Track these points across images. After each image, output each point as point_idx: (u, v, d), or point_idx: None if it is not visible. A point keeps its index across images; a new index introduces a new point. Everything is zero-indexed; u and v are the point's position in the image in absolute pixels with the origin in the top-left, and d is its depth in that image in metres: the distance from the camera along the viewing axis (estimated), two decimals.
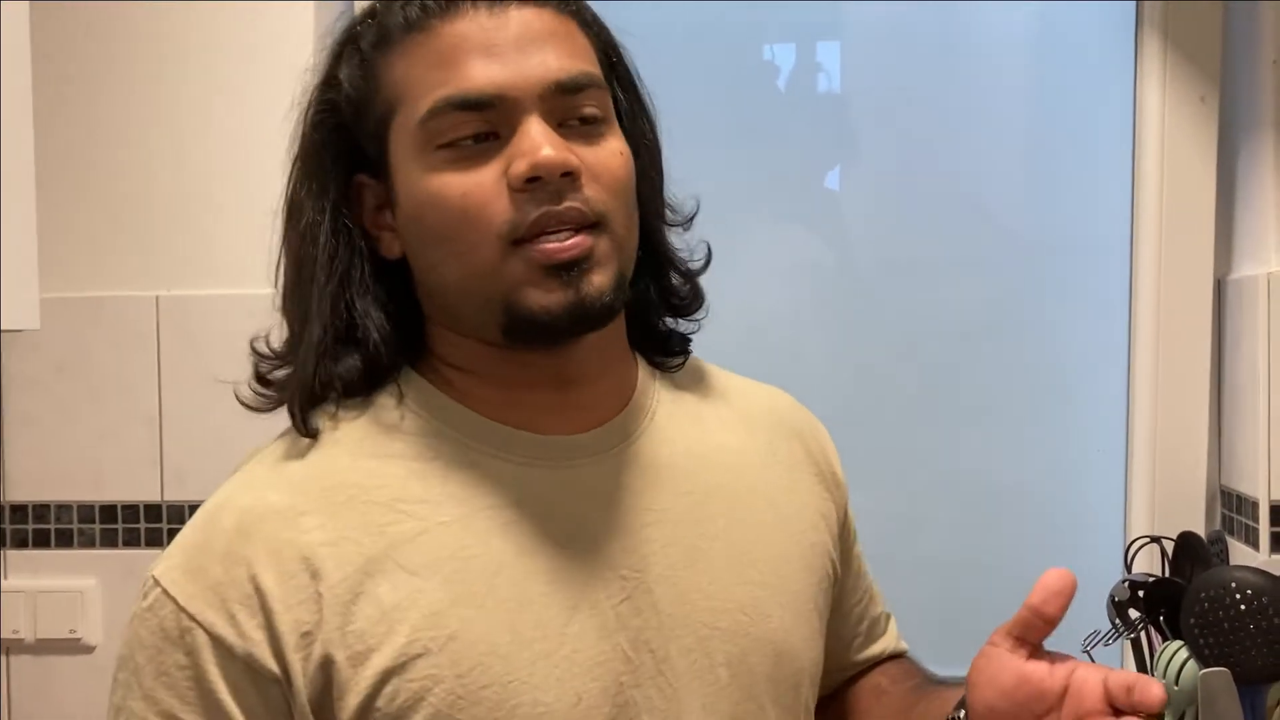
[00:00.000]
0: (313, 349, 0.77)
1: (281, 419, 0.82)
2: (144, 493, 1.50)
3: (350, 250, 0.78)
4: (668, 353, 0.89)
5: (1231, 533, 1.44)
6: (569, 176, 0.73)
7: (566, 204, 0.72)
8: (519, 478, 0.77)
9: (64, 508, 1.51)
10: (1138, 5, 1.50)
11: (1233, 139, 1.48)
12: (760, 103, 1.61)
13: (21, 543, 1.51)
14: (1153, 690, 0.72)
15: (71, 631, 1.50)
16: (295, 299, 0.80)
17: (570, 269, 0.73)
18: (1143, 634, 1.31)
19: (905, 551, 1.60)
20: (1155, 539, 1.37)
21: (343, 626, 0.70)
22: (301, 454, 0.77)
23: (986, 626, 1.57)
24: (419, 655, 0.70)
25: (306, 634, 0.70)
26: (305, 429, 0.77)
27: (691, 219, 0.89)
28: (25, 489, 1.51)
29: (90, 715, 1.51)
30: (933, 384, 1.59)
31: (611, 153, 0.76)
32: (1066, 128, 1.56)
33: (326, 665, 0.70)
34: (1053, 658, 0.77)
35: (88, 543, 1.51)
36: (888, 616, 1.03)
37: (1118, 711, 0.73)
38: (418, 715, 0.70)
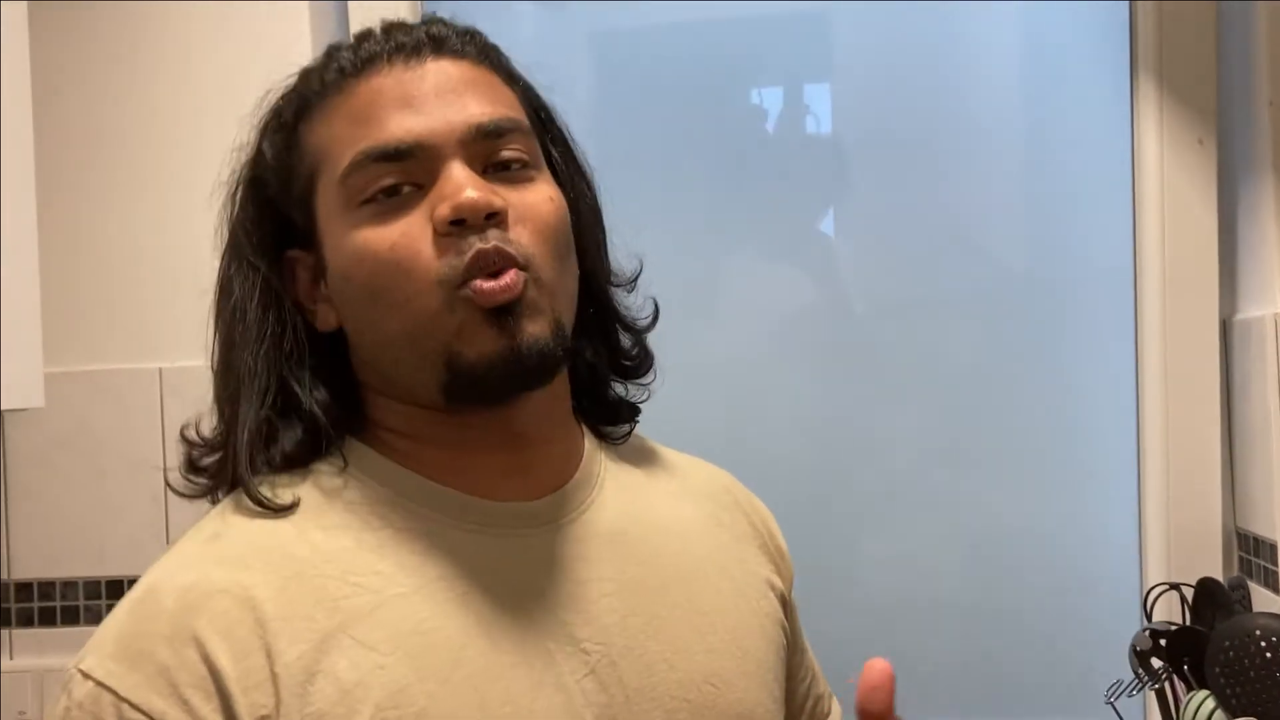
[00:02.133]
0: (248, 427, 0.73)
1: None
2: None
3: (282, 326, 0.76)
4: (616, 421, 0.87)
5: (1250, 575, 1.43)
6: (493, 218, 0.71)
7: (493, 244, 0.70)
8: (472, 546, 0.74)
9: (69, 584, 1.49)
10: (1132, 49, 1.51)
11: (1232, 180, 1.48)
12: (750, 146, 1.61)
13: (26, 621, 1.49)
14: None
15: None
16: (225, 380, 0.77)
17: (506, 313, 0.71)
18: (1167, 684, 1.30)
19: (917, 599, 1.58)
20: (1174, 586, 1.36)
21: (301, 709, 0.65)
22: (239, 530, 0.72)
23: (1001, 674, 1.56)
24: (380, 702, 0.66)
25: (264, 718, 0.65)
26: (262, 502, 0.72)
27: (635, 280, 0.87)
28: (30, 567, 1.49)
29: None
30: (938, 429, 1.58)
31: (540, 197, 0.75)
32: (1064, 169, 1.56)
33: None
34: None
35: (94, 619, 1.49)
36: (831, 696, 0.99)
37: None
38: None
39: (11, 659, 1.50)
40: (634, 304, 0.87)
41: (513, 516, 0.76)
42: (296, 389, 0.75)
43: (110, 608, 1.45)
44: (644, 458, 0.89)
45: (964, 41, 1.58)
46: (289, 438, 0.74)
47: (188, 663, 0.65)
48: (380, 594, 0.70)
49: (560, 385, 0.79)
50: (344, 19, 1.56)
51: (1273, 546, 1.37)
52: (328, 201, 0.75)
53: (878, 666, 0.68)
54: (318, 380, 0.76)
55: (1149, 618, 1.37)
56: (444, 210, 0.70)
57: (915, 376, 1.57)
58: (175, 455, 1.45)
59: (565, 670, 0.72)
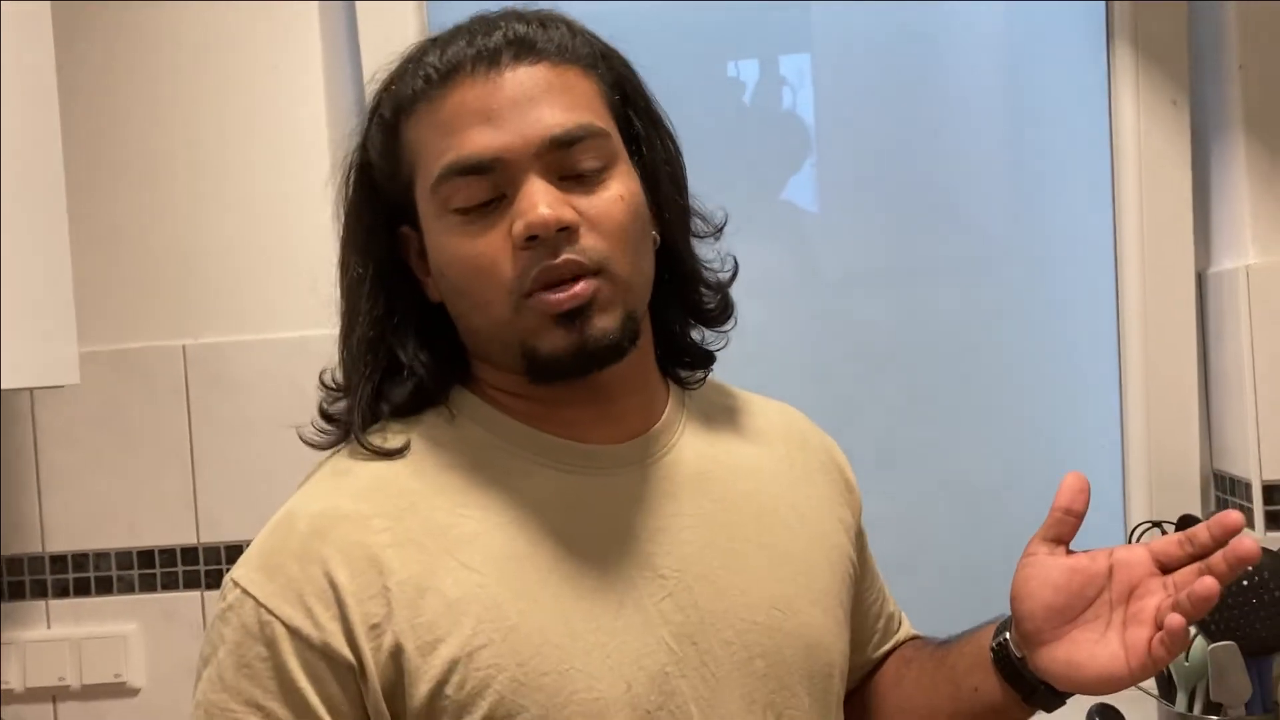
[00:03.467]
0: (361, 387, 0.85)
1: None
2: (180, 537, 1.54)
3: (390, 297, 0.86)
4: (692, 368, 0.94)
5: None
6: (566, 231, 0.78)
7: (564, 258, 0.78)
8: (565, 484, 0.84)
9: (102, 555, 1.55)
10: (1108, 15, 1.57)
11: (1205, 140, 1.55)
12: (728, 119, 1.65)
13: (63, 591, 1.55)
14: (1231, 517, 0.78)
15: (116, 676, 1.53)
16: (345, 346, 0.88)
17: (574, 316, 0.79)
18: None
19: (907, 554, 1.64)
20: (1156, 523, 1.44)
21: (411, 619, 0.76)
22: (364, 467, 0.83)
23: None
24: (483, 645, 0.76)
25: (376, 626, 0.75)
26: (373, 449, 0.84)
27: (721, 229, 0.95)
28: (64, 539, 1.55)
29: None
30: (927, 386, 1.64)
31: (611, 200, 0.81)
32: (1042, 134, 1.63)
33: (397, 654, 0.75)
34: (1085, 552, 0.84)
35: (127, 588, 1.55)
36: (900, 614, 1.09)
37: (1169, 572, 0.80)
38: (484, 701, 0.75)
39: (49, 628, 1.55)
40: (715, 255, 0.94)
41: (601, 457, 0.85)
42: (400, 354, 0.85)
43: (143, 577, 1.52)
44: (722, 400, 0.97)
45: (943, 11, 1.63)
46: (399, 392, 0.85)
47: (312, 578, 0.77)
48: (483, 523, 0.81)
49: (641, 346, 0.86)
50: (353, 19, 1.62)
51: (1248, 485, 1.45)
52: (424, 202, 0.83)
53: (1076, 474, 0.85)
54: (424, 343, 0.86)
55: None
56: (519, 227, 0.78)
57: (899, 340, 1.63)
58: (201, 427, 1.51)
59: (645, 593, 0.82)
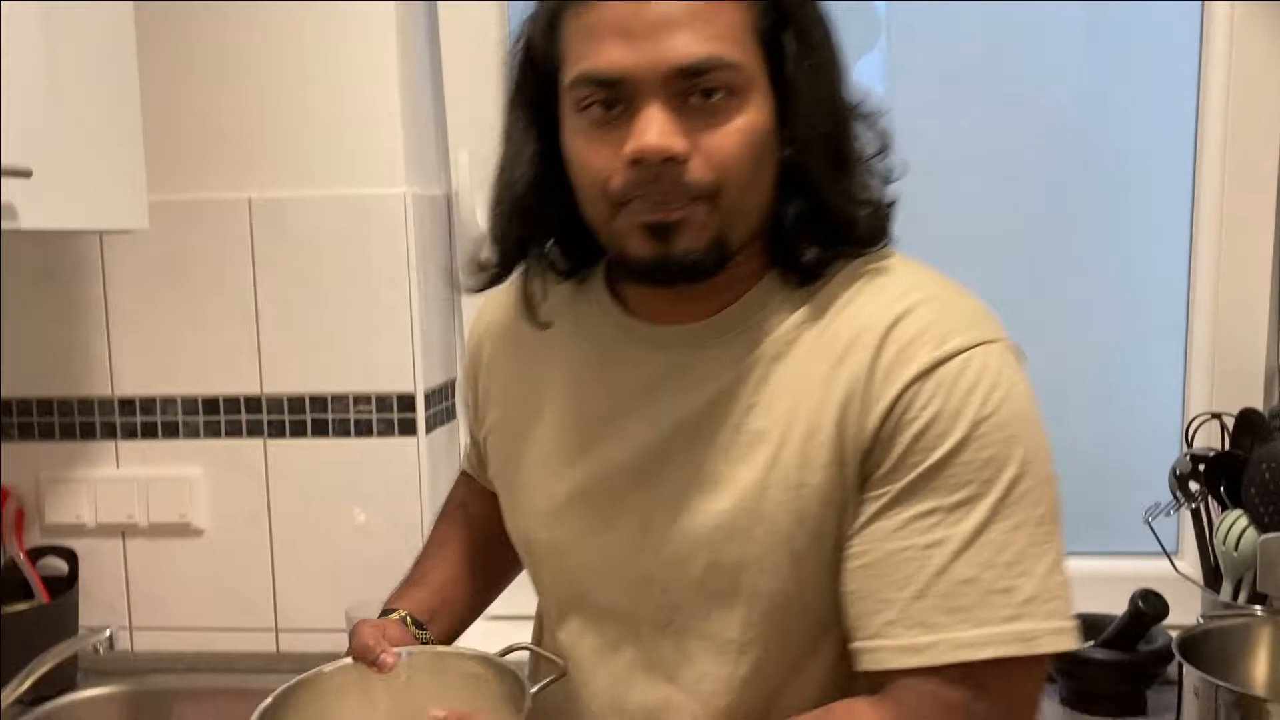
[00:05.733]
0: (509, 239, 0.96)
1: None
2: (244, 385, 1.58)
3: (541, 169, 0.91)
4: (801, 276, 0.90)
5: None
6: (672, 161, 0.81)
7: (666, 184, 0.82)
8: (608, 346, 0.95)
9: (169, 401, 1.59)
10: None
11: None
12: None
13: (131, 434, 1.60)
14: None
15: (182, 516, 1.60)
16: (501, 199, 0.94)
17: (664, 230, 0.83)
18: (1201, 505, 1.38)
19: None
20: (1216, 415, 1.42)
21: (487, 391, 1.07)
22: (508, 293, 1.03)
23: None
24: (493, 430, 1.04)
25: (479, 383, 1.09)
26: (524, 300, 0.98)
27: (874, 156, 0.92)
28: (132, 383, 1.59)
29: (200, 593, 1.62)
30: (998, 276, 1.62)
31: (728, 133, 0.82)
32: (1130, 24, 1.57)
33: (482, 402, 1.07)
34: None
35: (192, 433, 1.59)
36: (877, 645, 0.84)
37: None
38: (491, 461, 1.06)
39: (119, 468, 1.61)
40: (870, 175, 0.92)
41: (646, 334, 0.94)
42: (547, 220, 0.95)
43: (208, 424, 1.56)
44: (833, 295, 0.89)
45: None
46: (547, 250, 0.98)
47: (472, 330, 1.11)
48: (538, 364, 1.00)
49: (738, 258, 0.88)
50: (434, 19, 1.61)
51: None
52: (563, 95, 0.87)
53: None
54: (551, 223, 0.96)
55: (1190, 445, 1.44)
56: (629, 148, 0.82)
57: (973, 230, 1.61)
58: (265, 280, 1.54)
59: (609, 444, 0.93)
